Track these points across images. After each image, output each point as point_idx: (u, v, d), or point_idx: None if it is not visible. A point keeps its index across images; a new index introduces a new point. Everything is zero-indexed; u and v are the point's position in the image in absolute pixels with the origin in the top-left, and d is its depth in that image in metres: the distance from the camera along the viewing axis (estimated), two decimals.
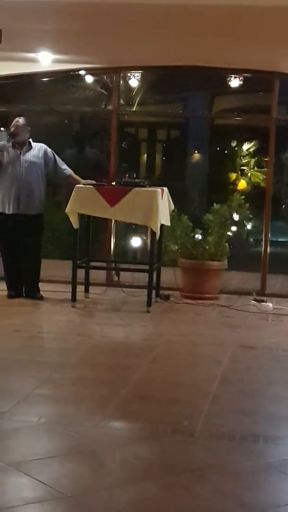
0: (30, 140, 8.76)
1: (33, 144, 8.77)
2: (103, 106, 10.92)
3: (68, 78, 10.60)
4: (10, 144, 8.64)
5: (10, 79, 10.13)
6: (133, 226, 10.41)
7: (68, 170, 8.84)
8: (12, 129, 8.70)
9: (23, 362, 6.26)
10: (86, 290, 9.06)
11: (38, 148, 8.76)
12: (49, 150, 8.80)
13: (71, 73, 10.18)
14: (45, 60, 8.99)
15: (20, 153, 8.68)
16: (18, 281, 8.84)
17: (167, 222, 8.83)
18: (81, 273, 8.79)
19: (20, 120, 8.74)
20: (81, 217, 8.60)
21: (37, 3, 8.36)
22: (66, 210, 8.47)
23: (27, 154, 8.70)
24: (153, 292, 8.73)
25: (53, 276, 9.47)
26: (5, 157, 8.64)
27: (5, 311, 8.20)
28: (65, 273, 9.03)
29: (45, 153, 8.75)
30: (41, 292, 8.84)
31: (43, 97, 11.01)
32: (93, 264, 9.23)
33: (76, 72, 10.22)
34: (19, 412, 4.97)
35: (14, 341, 6.96)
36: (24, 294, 8.82)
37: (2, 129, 14.79)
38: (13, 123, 8.75)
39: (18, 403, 5.14)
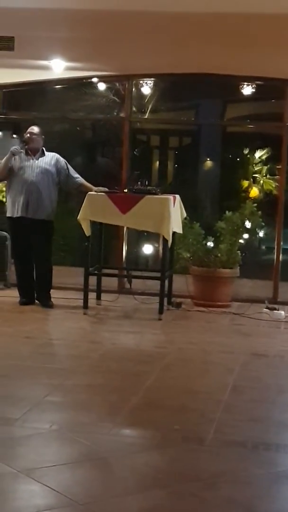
0: (43, 148, 8.79)
1: (46, 152, 8.80)
2: (115, 114, 10.93)
3: (80, 85, 10.61)
4: (22, 153, 8.66)
5: (22, 87, 10.15)
6: (145, 234, 10.40)
7: (80, 179, 8.85)
8: (26, 136, 8.73)
9: (35, 369, 6.26)
10: (98, 297, 9.06)
11: (50, 157, 8.78)
12: (61, 159, 8.82)
13: (84, 80, 10.20)
14: (57, 68, 9.01)
15: (33, 159, 8.70)
16: (30, 288, 8.85)
17: (179, 229, 8.82)
18: (93, 280, 8.79)
19: (35, 129, 8.77)
20: (93, 224, 8.61)
21: (50, 11, 8.41)
22: (78, 217, 8.47)
23: (40, 160, 8.72)
24: (165, 299, 8.72)
25: (65, 283, 9.47)
26: (17, 162, 8.66)
27: (17, 318, 8.21)
28: (77, 280, 9.04)
29: (58, 162, 8.77)
30: (52, 299, 8.84)
31: (55, 105, 11.03)
32: (105, 271, 9.23)
33: (89, 80, 10.24)
34: (31, 419, 4.97)
35: (25, 348, 6.97)
36: (36, 301, 8.82)
37: (14, 136, 14.83)
38: (28, 131, 8.78)
39: (30, 410, 5.14)
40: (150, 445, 4.68)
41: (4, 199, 12.00)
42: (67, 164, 8.85)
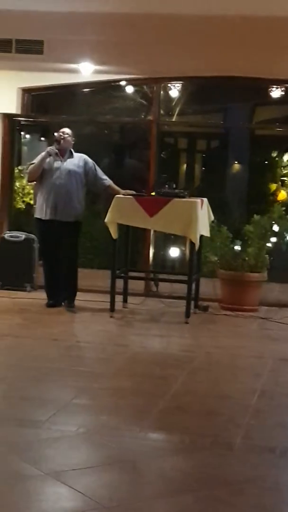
0: (72, 150, 8.80)
1: (74, 154, 8.81)
2: (143, 116, 10.92)
3: (108, 88, 10.62)
4: (55, 150, 8.68)
5: (51, 90, 10.18)
6: (172, 237, 10.37)
7: (108, 181, 8.86)
8: (59, 134, 8.74)
9: (62, 372, 6.27)
10: (125, 300, 9.05)
11: (78, 158, 8.79)
12: (89, 160, 8.83)
13: (112, 83, 10.21)
14: (86, 71, 9.03)
15: (61, 161, 8.72)
16: (57, 290, 8.86)
17: (206, 233, 8.79)
18: (119, 283, 8.78)
19: (66, 130, 8.79)
20: (120, 227, 8.60)
21: (79, 14, 8.44)
22: (105, 220, 8.47)
23: (67, 162, 8.74)
24: (192, 303, 8.69)
25: (92, 285, 9.47)
26: (46, 163, 8.67)
27: (44, 320, 8.22)
28: (103, 282, 9.04)
29: (86, 163, 8.78)
30: (79, 301, 8.84)
31: (84, 108, 11.05)
32: (131, 274, 9.22)
33: (117, 83, 10.25)
34: (58, 422, 4.97)
35: (53, 350, 6.98)
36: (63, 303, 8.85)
37: (42, 139, 14.87)
38: (59, 131, 8.79)
39: (57, 412, 5.14)
40: (178, 449, 4.67)
41: (31, 202, 12.07)
42: (95, 165, 8.86)
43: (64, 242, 8.73)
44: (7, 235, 9.89)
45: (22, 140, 12.22)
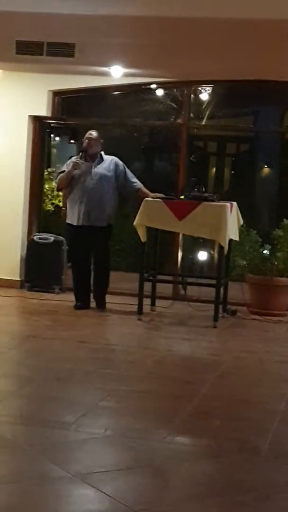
0: (102, 153, 8.82)
1: (105, 157, 8.83)
2: (172, 120, 10.93)
3: (138, 91, 10.63)
4: (82, 160, 8.70)
5: (81, 93, 10.22)
6: (201, 240, 10.36)
7: (138, 184, 8.86)
8: (85, 142, 8.76)
9: (90, 374, 6.29)
10: (153, 303, 9.05)
11: (109, 161, 8.81)
12: (120, 163, 8.84)
13: (142, 86, 10.21)
14: (116, 74, 9.05)
15: (92, 166, 8.74)
16: (86, 293, 8.89)
17: (235, 237, 8.77)
18: (147, 286, 8.78)
19: (93, 133, 8.80)
20: (149, 230, 8.61)
21: (110, 17, 8.45)
22: (134, 223, 8.48)
23: (98, 166, 8.76)
24: (220, 307, 8.67)
25: (120, 288, 9.48)
26: (78, 171, 8.70)
27: (72, 322, 8.25)
28: (131, 285, 9.04)
29: (116, 166, 8.80)
30: (107, 304, 8.87)
31: (113, 111, 11.07)
32: (160, 277, 9.22)
33: (147, 86, 10.25)
34: (85, 424, 4.98)
35: (80, 352, 7.00)
36: (90, 306, 8.88)
37: (72, 141, 14.92)
38: (86, 136, 8.82)
39: (84, 414, 5.15)
40: (205, 453, 4.66)
41: (60, 204, 12.11)
42: (126, 168, 8.87)
43: (97, 246, 8.77)
44: (36, 237, 9.94)
45: (52, 142, 12.28)
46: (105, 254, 8.87)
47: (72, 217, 8.77)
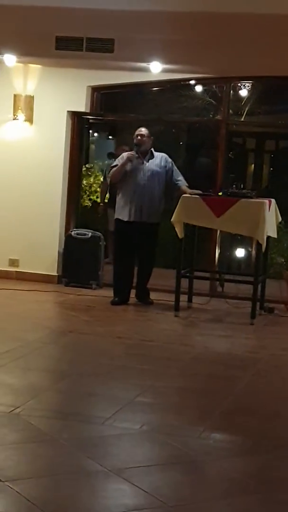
0: (152, 149, 8.84)
1: (155, 153, 8.84)
2: (211, 116, 10.90)
3: (177, 87, 10.61)
4: (137, 155, 8.73)
5: (120, 88, 10.22)
6: (239, 237, 10.32)
7: (181, 182, 8.82)
8: (137, 139, 8.77)
9: (126, 369, 6.30)
10: (189, 300, 9.04)
11: (159, 157, 8.83)
12: (169, 160, 8.86)
13: (181, 82, 10.19)
14: (155, 70, 9.04)
15: (143, 162, 8.76)
16: (126, 289, 8.91)
17: (273, 234, 8.72)
18: (184, 282, 8.77)
19: (143, 130, 8.82)
20: (187, 226, 8.59)
21: (150, 13, 8.44)
22: (171, 220, 8.46)
23: (149, 163, 8.77)
24: (257, 304, 8.63)
25: (157, 284, 9.47)
26: (130, 166, 8.74)
27: (109, 318, 8.26)
28: (168, 282, 9.04)
29: (166, 163, 8.82)
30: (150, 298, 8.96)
31: (152, 106, 11.06)
32: (197, 274, 9.20)
33: (186, 82, 10.23)
34: (121, 419, 4.99)
35: (117, 348, 7.01)
36: (136, 298, 8.94)
37: (110, 137, 14.96)
38: (136, 133, 8.82)
39: (120, 409, 5.16)
40: (241, 450, 4.64)
41: (98, 199, 12.14)
42: (173, 165, 8.89)
43: (145, 242, 8.80)
44: (74, 232, 9.97)
45: (90, 138, 12.32)
46: (152, 251, 8.95)
47: (123, 213, 8.78)
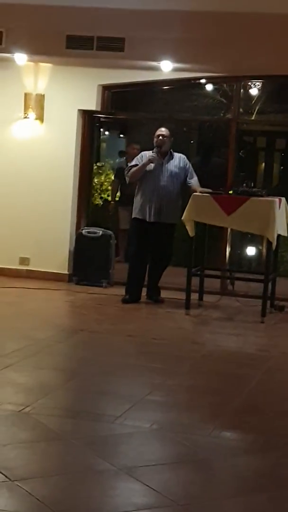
0: (171, 150, 8.84)
1: (174, 154, 8.85)
2: (221, 115, 10.88)
3: (187, 86, 10.60)
4: (158, 155, 8.73)
5: (130, 87, 10.23)
6: (249, 235, 10.30)
7: (193, 181, 8.81)
8: (159, 140, 8.76)
9: (137, 368, 6.30)
10: (200, 298, 9.03)
11: (178, 158, 8.83)
12: (187, 161, 8.88)
13: (192, 81, 10.18)
14: (166, 69, 9.04)
15: (163, 163, 8.76)
16: (138, 287, 8.92)
17: (284, 232, 8.71)
18: (195, 280, 8.77)
19: (163, 130, 8.82)
20: (197, 224, 8.59)
21: (160, 12, 8.45)
22: (182, 218, 8.47)
23: (169, 164, 8.78)
24: (268, 302, 8.62)
25: (168, 282, 9.47)
26: (152, 166, 8.74)
27: (119, 317, 8.27)
28: (179, 280, 9.03)
29: (185, 164, 8.83)
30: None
31: (162, 105, 11.05)
32: (207, 272, 9.19)
33: (197, 81, 10.22)
34: (132, 417, 4.99)
35: (128, 346, 7.02)
36: (147, 296, 8.95)
37: (121, 135, 14.95)
38: (157, 133, 8.82)
39: (131, 408, 5.17)
40: (252, 449, 4.64)
41: (109, 198, 12.14)
42: (190, 166, 8.89)
43: (162, 242, 8.83)
44: (84, 230, 9.98)
45: (101, 137, 12.32)
46: (169, 251, 8.97)
47: (142, 213, 8.78)
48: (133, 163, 8.92)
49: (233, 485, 4.12)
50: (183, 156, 8.90)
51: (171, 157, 8.84)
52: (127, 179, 8.99)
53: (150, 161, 8.71)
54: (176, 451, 4.54)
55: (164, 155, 8.82)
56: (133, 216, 8.97)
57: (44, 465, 4.23)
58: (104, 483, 4.01)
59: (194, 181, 8.82)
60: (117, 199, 11.45)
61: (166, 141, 8.78)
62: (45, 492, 3.82)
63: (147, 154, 8.80)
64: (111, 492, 3.93)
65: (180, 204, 8.84)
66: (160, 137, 8.78)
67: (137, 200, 8.88)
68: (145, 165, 8.72)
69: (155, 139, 8.82)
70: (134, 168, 8.80)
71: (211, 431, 4.83)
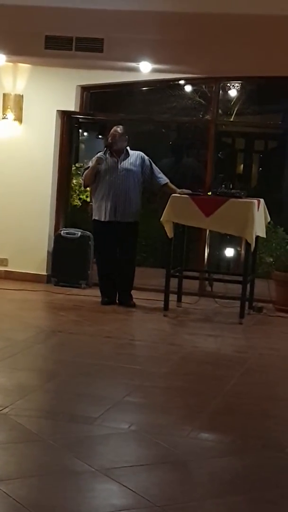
0: (128, 148, 8.82)
1: (131, 152, 8.83)
2: (200, 116, 10.89)
3: (166, 87, 10.61)
4: (107, 155, 8.72)
5: (109, 88, 10.22)
6: (228, 237, 10.32)
7: (164, 179, 8.86)
8: (109, 139, 8.77)
9: (115, 369, 6.30)
10: (179, 300, 9.04)
11: (135, 156, 8.81)
12: (146, 158, 8.84)
13: (171, 82, 10.19)
14: (145, 70, 9.04)
15: (117, 161, 8.75)
16: (112, 288, 8.90)
17: (262, 234, 8.74)
18: (174, 282, 8.77)
19: (118, 129, 8.80)
20: (176, 226, 8.59)
21: (139, 13, 8.45)
22: (161, 219, 8.47)
23: (124, 162, 8.76)
24: (246, 304, 8.64)
25: (146, 284, 9.49)
26: (102, 167, 8.72)
27: (98, 318, 8.26)
28: (158, 281, 9.04)
29: (142, 160, 8.80)
30: (133, 300, 8.88)
31: (141, 106, 11.05)
32: (186, 273, 9.20)
33: (176, 82, 10.23)
34: (110, 419, 5.00)
35: (106, 348, 7.01)
36: (117, 301, 8.88)
37: (99, 136, 14.94)
38: (111, 132, 8.83)
39: (109, 409, 5.17)
40: (229, 450, 4.65)
41: (87, 199, 12.12)
42: (152, 163, 8.87)
43: (124, 242, 8.78)
44: (63, 232, 9.96)
45: (80, 137, 12.29)
46: (131, 251, 8.89)
47: (99, 213, 8.78)
48: (87, 165, 8.91)
49: (211, 487, 4.12)
50: (140, 153, 8.85)
51: (127, 155, 8.81)
52: (82, 182, 8.99)
53: (97, 162, 8.70)
54: (154, 453, 4.54)
55: (119, 154, 8.78)
56: (92, 218, 8.94)
57: (22, 466, 4.22)
58: (82, 484, 4.01)
59: (164, 177, 8.81)
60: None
61: (118, 140, 8.74)
62: (22, 493, 3.81)
63: (99, 155, 8.79)
64: (89, 493, 3.92)
65: (140, 203, 8.81)
66: (110, 137, 8.77)
67: (94, 201, 8.87)
68: (94, 167, 8.71)
69: (108, 139, 8.82)
70: (87, 171, 8.79)
71: (189, 433, 4.84)
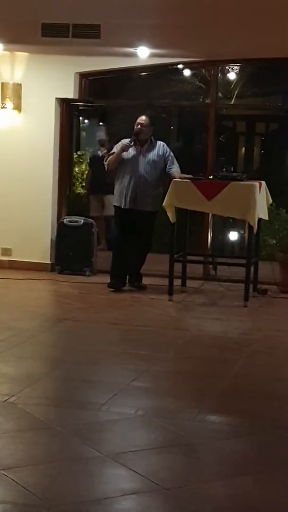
0: (152, 138, 8.81)
1: (155, 142, 8.82)
2: (201, 100, 10.87)
3: (166, 72, 10.58)
4: (132, 143, 8.71)
5: (108, 74, 10.19)
6: (230, 220, 10.32)
7: (173, 169, 8.77)
8: (137, 128, 8.75)
9: (121, 355, 6.31)
10: (183, 284, 9.04)
11: (158, 146, 8.80)
12: (167, 149, 8.84)
13: (170, 67, 10.16)
14: (143, 55, 9.01)
15: (141, 151, 8.74)
16: (123, 273, 8.93)
17: (265, 216, 8.73)
18: (178, 266, 8.78)
19: (144, 119, 8.78)
20: (178, 210, 8.59)
21: None
22: (163, 204, 8.47)
23: (148, 153, 8.75)
24: (251, 286, 8.64)
25: (150, 269, 9.47)
26: (126, 153, 8.72)
27: (103, 305, 8.27)
28: (162, 266, 9.05)
29: (164, 151, 8.80)
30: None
31: (141, 92, 11.03)
32: (190, 257, 9.20)
33: (175, 66, 10.20)
34: (117, 404, 5.01)
35: (112, 334, 7.03)
36: (129, 283, 8.95)
37: (100, 123, 14.92)
38: (137, 121, 8.79)
39: (116, 395, 5.18)
40: (237, 432, 4.67)
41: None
42: (171, 153, 8.86)
43: (141, 230, 8.80)
44: (66, 219, 9.96)
45: (81, 125, 12.28)
46: (148, 239, 8.94)
47: (119, 200, 8.80)
48: (112, 150, 8.91)
49: (219, 468, 4.14)
50: (163, 143, 8.87)
51: (152, 145, 8.82)
52: (105, 166, 8.98)
53: (123, 149, 8.70)
54: (161, 436, 4.55)
55: (143, 143, 8.79)
56: (113, 204, 8.99)
57: (31, 454, 4.24)
58: (91, 470, 4.03)
59: (174, 168, 8.81)
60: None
61: (144, 130, 8.75)
62: (32, 481, 3.84)
63: (125, 141, 8.79)
64: (98, 478, 3.94)
65: (160, 193, 8.83)
66: (139, 126, 8.76)
67: (116, 188, 8.89)
68: (119, 153, 8.71)
69: (134, 127, 8.80)
70: (112, 156, 8.80)
71: (196, 416, 4.85)
